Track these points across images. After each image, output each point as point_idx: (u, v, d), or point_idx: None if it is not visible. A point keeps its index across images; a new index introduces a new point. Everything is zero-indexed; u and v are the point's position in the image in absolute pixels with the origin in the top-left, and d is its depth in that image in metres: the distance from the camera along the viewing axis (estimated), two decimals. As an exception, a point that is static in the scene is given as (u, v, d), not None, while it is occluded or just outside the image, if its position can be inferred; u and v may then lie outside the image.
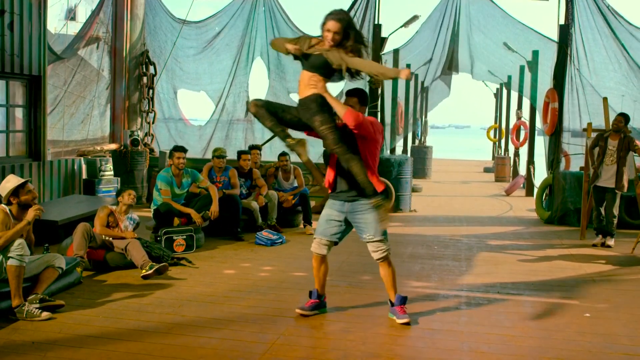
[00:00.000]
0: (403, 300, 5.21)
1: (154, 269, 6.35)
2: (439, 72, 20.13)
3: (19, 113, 9.82)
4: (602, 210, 9.03)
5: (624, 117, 8.84)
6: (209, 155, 12.25)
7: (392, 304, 5.24)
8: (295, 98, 13.21)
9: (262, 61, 13.46)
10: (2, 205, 5.33)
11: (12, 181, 5.36)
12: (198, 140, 13.87)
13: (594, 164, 9.05)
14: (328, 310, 5.45)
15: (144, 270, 6.37)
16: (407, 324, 5.06)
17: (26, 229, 5.30)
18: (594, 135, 9.36)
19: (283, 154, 10.21)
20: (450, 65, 17.99)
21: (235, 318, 5.26)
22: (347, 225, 5.27)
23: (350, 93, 5.17)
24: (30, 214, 5.28)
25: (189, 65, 13.86)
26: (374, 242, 5.14)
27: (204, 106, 13.88)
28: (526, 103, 18.44)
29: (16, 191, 5.32)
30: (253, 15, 13.29)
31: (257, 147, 10.41)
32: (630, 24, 11.30)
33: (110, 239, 6.86)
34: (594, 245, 8.90)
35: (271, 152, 12.06)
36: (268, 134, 12.29)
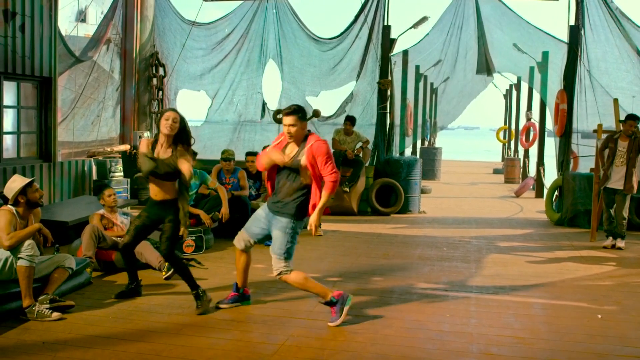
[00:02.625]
0: (332, 303, 5.18)
1: (171, 270, 6.37)
2: (451, 75, 20.03)
3: (31, 114, 9.87)
4: (613, 212, 8.98)
5: (635, 121, 8.75)
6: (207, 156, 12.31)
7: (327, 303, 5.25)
8: (310, 101, 13.28)
9: (275, 63, 13.48)
10: (9, 206, 5.36)
11: (17, 181, 5.40)
12: (195, 142, 13.81)
13: (604, 166, 9.00)
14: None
15: (163, 272, 6.40)
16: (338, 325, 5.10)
17: (35, 231, 5.35)
18: (604, 136, 9.31)
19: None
20: (485, 67, 17.77)
21: (244, 319, 5.27)
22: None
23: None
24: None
25: (198, 66, 13.87)
26: (274, 258, 5.19)
27: (214, 107, 13.89)
28: (536, 104, 18.37)
29: (24, 190, 5.36)
30: (264, 17, 13.30)
31: None
32: (637, 25, 11.23)
33: (116, 238, 6.91)
34: (605, 247, 8.85)
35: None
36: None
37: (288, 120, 5.16)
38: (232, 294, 5.64)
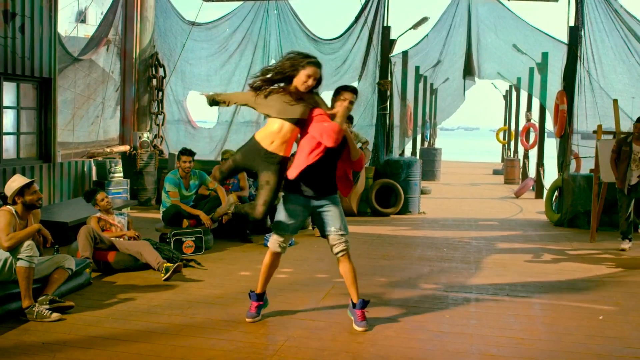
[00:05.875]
0: (365, 304, 5.10)
1: (170, 271, 6.37)
2: (449, 75, 20.06)
3: (31, 115, 9.87)
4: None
5: None
6: (218, 157, 12.30)
7: (354, 305, 5.13)
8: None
9: (275, 64, 13.52)
10: (8, 206, 5.35)
11: (17, 181, 5.40)
12: (208, 142, 13.94)
13: (618, 171, 8.71)
14: (337, 312, 5.45)
15: (162, 274, 6.41)
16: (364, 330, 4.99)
17: (34, 232, 5.35)
18: (606, 137, 9.26)
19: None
20: (471, 71, 17.83)
21: (244, 320, 5.26)
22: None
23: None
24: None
25: (200, 67, 13.89)
26: (339, 236, 5.04)
27: (225, 109, 13.97)
28: (536, 105, 18.39)
29: (22, 191, 5.35)
30: (266, 18, 13.33)
31: None
32: None
33: (115, 238, 6.92)
34: (623, 250, 8.69)
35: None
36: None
37: (353, 96, 5.23)
38: (257, 303, 5.26)
